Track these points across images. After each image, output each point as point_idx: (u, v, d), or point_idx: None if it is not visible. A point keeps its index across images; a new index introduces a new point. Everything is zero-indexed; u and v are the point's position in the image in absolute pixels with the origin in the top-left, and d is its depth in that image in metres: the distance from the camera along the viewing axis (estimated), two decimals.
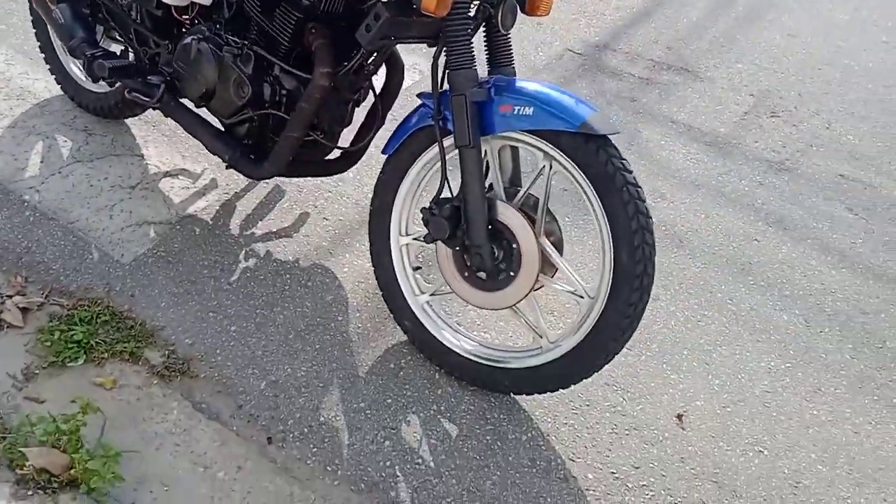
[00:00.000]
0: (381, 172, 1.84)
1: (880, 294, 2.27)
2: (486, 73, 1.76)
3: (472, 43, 1.61)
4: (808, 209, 2.58)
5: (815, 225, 2.52)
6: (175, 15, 2.00)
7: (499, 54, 1.75)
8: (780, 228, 2.48)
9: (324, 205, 2.35)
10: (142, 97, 2.01)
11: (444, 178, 1.69)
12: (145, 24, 2.07)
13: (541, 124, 1.58)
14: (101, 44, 2.30)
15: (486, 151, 1.70)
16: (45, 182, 2.30)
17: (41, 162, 2.38)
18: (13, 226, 2.14)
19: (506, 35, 1.74)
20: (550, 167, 1.64)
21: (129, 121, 2.57)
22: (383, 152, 1.82)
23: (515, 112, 1.60)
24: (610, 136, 1.58)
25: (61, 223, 2.17)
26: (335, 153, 2.08)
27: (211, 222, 2.24)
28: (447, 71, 1.62)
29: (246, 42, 1.85)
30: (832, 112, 3.15)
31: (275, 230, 2.24)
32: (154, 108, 2.04)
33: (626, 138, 2.81)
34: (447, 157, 1.68)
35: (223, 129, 2.00)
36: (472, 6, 1.63)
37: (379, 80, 1.99)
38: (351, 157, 2.07)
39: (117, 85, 2.13)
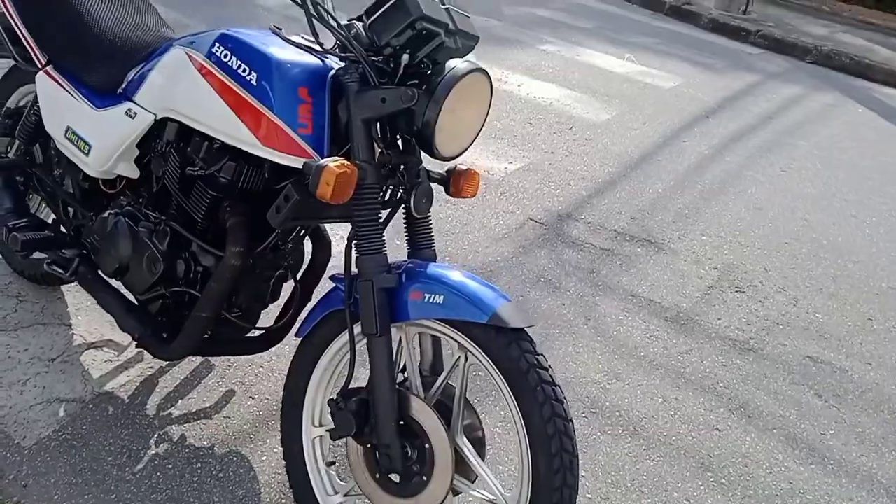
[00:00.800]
0: (294, 356, 1.72)
1: (854, 496, 2.06)
2: (407, 254, 1.70)
3: (380, 227, 1.54)
4: (773, 394, 2.43)
5: (781, 413, 2.35)
6: (103, 188, 1.97)
7: (418, 237, 1.68)
8: (743, 416, 2.32)
9: (252, 381, 2.21)
10: (58, 270, 1.94)
11: (353, 367, 1.57)
12: (74, 196, 2.03)
13: (451, 313, 1.48)
14: (40, 212, 2.27)
15: (400, 339, 1.59)
16: None
17: None
18: None
19: (424, 217, 1.68)
20: (466, 359, 1.53)
21: (64, 287, 2.49)
22: (296, 335, 1.71)
23: (426, 300, 1.50)
24: (526, 330, 1.48)
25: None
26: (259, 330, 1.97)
27: (127, 400, 2.09)
28: (356, 255, 1.54)
29: (164, 217, 1.80)
30: (799, 288, 3.07)
31: (194, 411, 2.09)
32: (70, 281, 1.97)
33: (582, 312, 2.71)
34: (359, 345, 1.57)
35: (137, 305, 1.91)
36: (383, 190, 1.57)
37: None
38: (274, 335, 1.96)
39: (35, 255, 2.07)
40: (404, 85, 1.48)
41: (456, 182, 1.75)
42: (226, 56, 1.63)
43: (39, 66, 2.03)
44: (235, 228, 1.67)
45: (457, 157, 1.60)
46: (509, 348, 1.45)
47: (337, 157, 1.43)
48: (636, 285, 2.95)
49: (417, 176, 1.62)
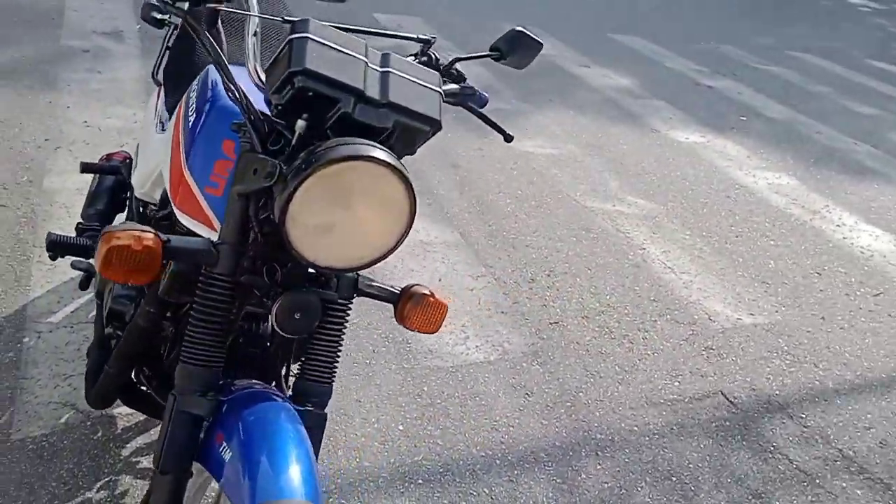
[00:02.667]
0: None
1: None
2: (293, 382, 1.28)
3: (209, 332, 1.16)
4: None
5: None
6: (149, 212, 1.92)
7: (308, 363, 1.25)
8: None
9: None
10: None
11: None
12: (130, 211, 2.02)
13: (221, 479, 1.04)
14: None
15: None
16: (52, 331, 2.33)
17: (72, 312, 2.43)
18: None
19: (321, 339, 1.24)
20: None
21: None
22: None
23: (220, 449, 1.08)
24: None
25: (17, 376, 2.14)
26: None
27: (119, 431, 2.00)
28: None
29: None
30: None
31: None
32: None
33: None
34: None
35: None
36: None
37: None
38: None
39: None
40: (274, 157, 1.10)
41: (402, 306, 1.29)
42: (194, 91, 1.43)
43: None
44: (153, 287, 1.44)
45: (343, 271, 1.15)
46: None
47: (135, 225, 1.10)
48: None
49: (308, 279, 1.20)
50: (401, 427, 2.14)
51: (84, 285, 1.94)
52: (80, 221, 2.07)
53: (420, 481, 1.97)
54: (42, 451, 1.91)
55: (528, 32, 1.50)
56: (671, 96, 5.78)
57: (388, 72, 1.13)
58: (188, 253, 1.14)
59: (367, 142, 1.07)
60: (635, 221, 3.62)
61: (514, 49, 1.50)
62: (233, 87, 1.13)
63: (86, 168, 2.14)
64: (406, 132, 1.13)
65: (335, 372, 1.28)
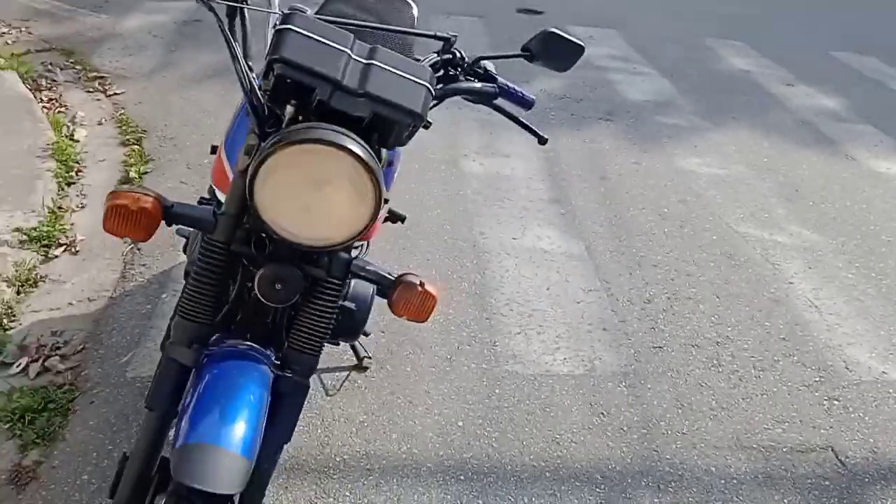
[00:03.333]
0: None
1: None
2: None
3: (202, 292, 1.28)
4: None
5: None
6: None
7: (294, 332, 1.33)
8: None
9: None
10: None
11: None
12: None
13: (177, 417, 1.17)
14: None
15: None
16: None
17: None
18: (131, 308, 2.52)
19: (310, 313, 1.31)
20: None
21: None
22: None
23: (188, 395, 1.21)
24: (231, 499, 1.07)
25: (147, 325, 2.46)
26: None
27: None
28: None
29: None
30: None
31: None
32: None
33: None
34: None
35: None
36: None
37: None
38: None
39: None
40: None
41: (392, 292, 1.33)
42: None
43: None
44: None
45: (314, 248, 1.22)
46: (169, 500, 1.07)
47: (141, 188, 1.25)
48: None
49: (298, 256, 1.28)
50: (460, 423, 2.16)
51: (185, 250, 2.19)
52: (202, 197, 2.34)
53: (462, 477, 1.98)
54: (144, 390, 2.18)
55: (563, 34, 1.47)
56: (885, 121, 5.13)
57: (372, 64, 1.19)
58: (189, 218, 1.27)
59: (335, 128, 1.13)
60: (791, 253, 3.29)
61: (546, 51, 1.48)
62: (241, 75, 1.25)
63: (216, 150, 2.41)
64: (391, 123, 1.18)
65: (321, 345, 1.35)
